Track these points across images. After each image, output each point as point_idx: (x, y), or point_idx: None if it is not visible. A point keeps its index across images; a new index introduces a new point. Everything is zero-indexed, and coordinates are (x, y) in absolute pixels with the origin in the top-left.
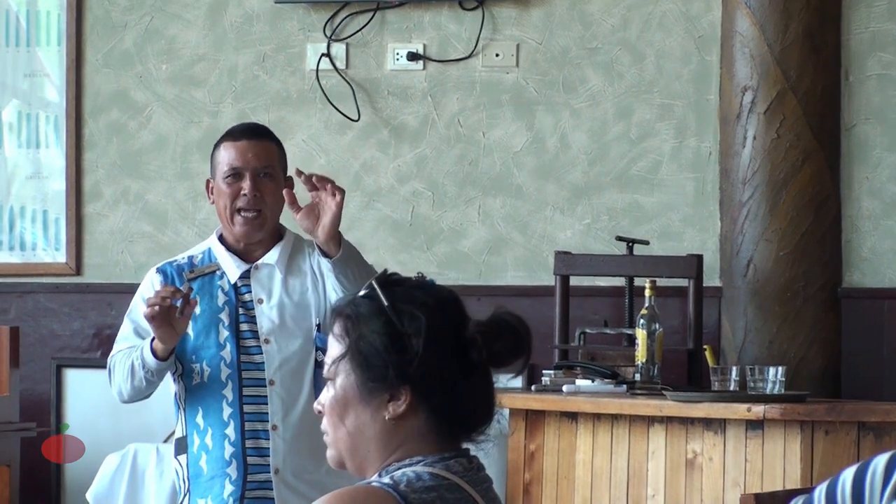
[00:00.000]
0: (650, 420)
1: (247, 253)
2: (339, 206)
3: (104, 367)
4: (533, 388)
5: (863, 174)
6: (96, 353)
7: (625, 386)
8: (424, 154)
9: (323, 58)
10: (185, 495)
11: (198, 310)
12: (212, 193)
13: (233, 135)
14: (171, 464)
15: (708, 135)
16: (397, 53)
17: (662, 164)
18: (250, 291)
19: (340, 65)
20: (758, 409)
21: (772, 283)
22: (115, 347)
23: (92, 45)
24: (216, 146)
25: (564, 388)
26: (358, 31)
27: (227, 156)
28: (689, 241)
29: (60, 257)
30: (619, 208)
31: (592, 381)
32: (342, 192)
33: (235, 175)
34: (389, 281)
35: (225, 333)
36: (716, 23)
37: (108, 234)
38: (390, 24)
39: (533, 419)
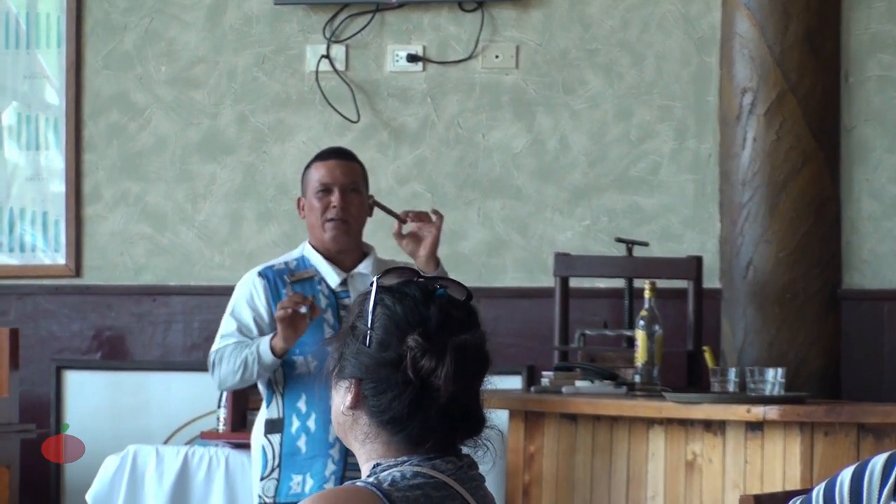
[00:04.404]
0: (650, 422)
1: (339, 262)
2: (439, 230)
3: (104, 368)
4: (532, 389)
5: (863, 176)
6: (96, 354)
7: (624, 387)
8: (424, 156)
9: (322, 59)
10: (273, 470)
11: (303, 310)
12: (303, 209)
13: (323, 156)
14: (258, 440)
15: (707, 136)
16: (397, 55)
17: (662, 165)
18: (349, 296)
19: (340, 66)
20: (757, 411)
21: (771, 284)
22: (219, 342)
23: (92, 47)
24: (307, 168)
25: (564, 389)
26: (357, 33)
27: (317, 174)
28: (688, 243)
29: (60, 259)
30: (619, 210)
31: (592, 383)
32: (441, 216)
33: (326, 190)
34: (397, 279)
35: (330, 332)
36: (715, 24)
37: (107, 236)
38: (390, 25)
39: (532, 421)
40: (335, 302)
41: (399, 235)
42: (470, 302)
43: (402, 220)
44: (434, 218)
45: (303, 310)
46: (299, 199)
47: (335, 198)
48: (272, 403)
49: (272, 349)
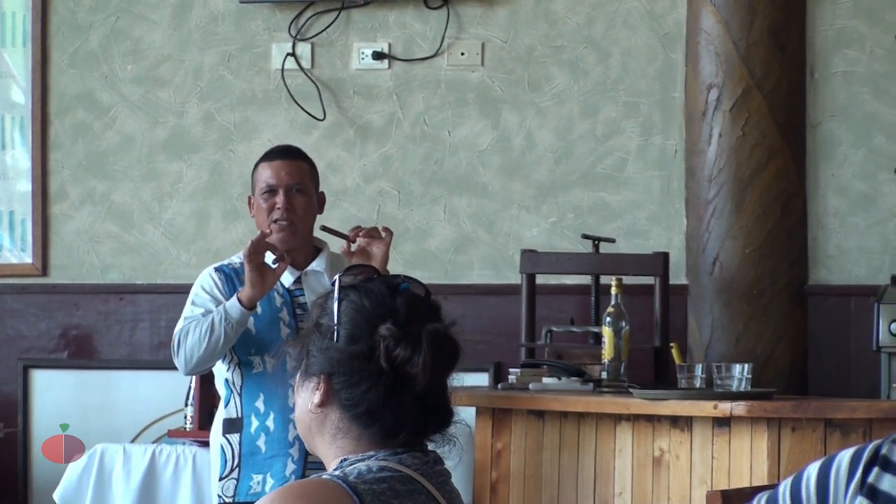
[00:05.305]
0: (617, 418)
1: (292, 261)
2: (388, 246)
3: (71, 367)
4: (499, 386)
5: (828, 171)
6: (63, 353)
7: (591, 384)
8: (390, 153)
9: (288, 57)
10: (233, 469)
11: (259, 309)
12: (252, 208)
13: (269, 156)
14: (217, 439)
15: (673, 132)
16: (362, 53)
17: (628, 162)
18: (303, 294)
19: (306, 64)
20: (724, 407)
21: (738, 280)
22: (182, 323)
23: (57, 46)
24: (255, 167)
25: (531, 386)
26: (323, 31)
27: (263, 174)
28: (655, 239)
29: (27, 258)
30: (585, 206)
31: (559, 380)
32: (390, 232)
33: (271, 191)
34: (360, 276)
35: (286, 330)
36: (681, 21)
37: (74, 235)
38: (355, 23)
39: (500, 418)
40: (290, 300)
41: (348, 253)
42: (431, 297)
43: (349, 239)
44: (384, 234)
45: (272, 262)
46: (249, 198)
47: (280, 199)
48: (230, 403)
49: (239, 300)
